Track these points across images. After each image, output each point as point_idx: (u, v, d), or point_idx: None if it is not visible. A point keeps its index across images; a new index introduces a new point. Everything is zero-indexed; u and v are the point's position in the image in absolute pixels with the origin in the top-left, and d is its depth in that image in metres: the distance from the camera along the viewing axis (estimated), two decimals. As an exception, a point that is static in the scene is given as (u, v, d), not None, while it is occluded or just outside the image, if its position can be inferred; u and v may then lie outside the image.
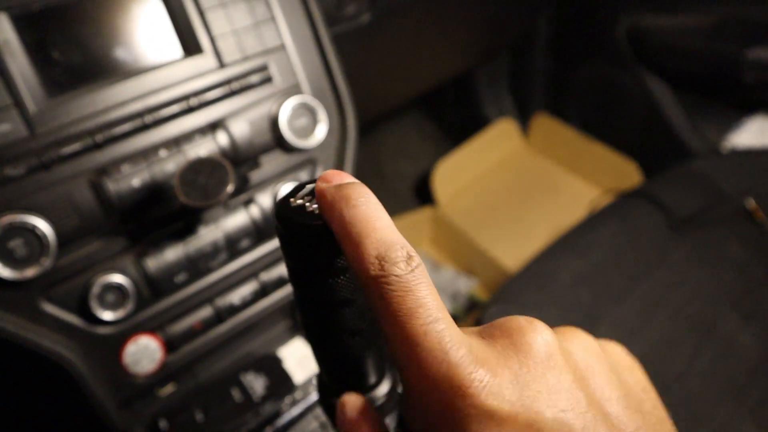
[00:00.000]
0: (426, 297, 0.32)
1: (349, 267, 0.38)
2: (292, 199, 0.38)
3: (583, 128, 1.96)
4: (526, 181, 2.03)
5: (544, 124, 2.05)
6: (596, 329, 1.06)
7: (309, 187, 0.39)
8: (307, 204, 0.38)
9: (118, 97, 0.69)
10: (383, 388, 0.50)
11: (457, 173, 1.99)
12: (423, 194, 2.07)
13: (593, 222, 1.27)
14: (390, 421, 0.49)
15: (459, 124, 2.20)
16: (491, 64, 2.05)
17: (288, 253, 0.39)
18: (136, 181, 0.69)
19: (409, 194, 2.11)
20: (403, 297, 0.32)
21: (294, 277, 0.40)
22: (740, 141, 1.71)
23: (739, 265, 1.20)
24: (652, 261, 1.17)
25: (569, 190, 1.97)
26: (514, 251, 1.76)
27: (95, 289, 0.68)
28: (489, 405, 0.30)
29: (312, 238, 0.36)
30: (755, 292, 1.16)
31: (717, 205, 1.29)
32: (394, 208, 2.00)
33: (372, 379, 0.49)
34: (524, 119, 2.14)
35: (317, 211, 0.37)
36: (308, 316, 0.43)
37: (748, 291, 1.16)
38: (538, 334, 0.33)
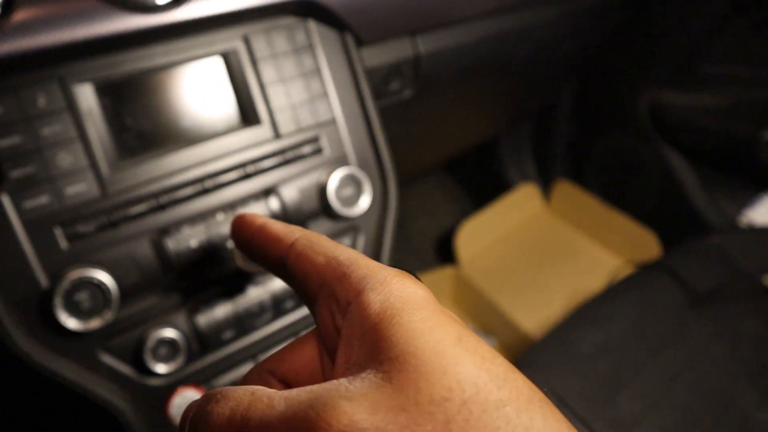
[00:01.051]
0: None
1: None
2: None
3: (603, 196, 2.01)
4: (546, 245, 2.07)
5: (565, 190, 2.10)
6: (617, 399, 1.08)
7: None
8: None
9: (182, 163, 0.75)
10: None
11: (480, 235, 2.03)
12: (444, 252, 2.11)
13: (613, 293, 1.31)
14: None
15: (482, 185, 2.25)
16: (515, 130, 2.12)
17: None
18: (193, 242, 0.73)
19: (431, 252, 2.15)
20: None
21: None
22: (757, 217, 1.75)
23: (757, 341, 1.22)
24: (670, 334, 1.20)
25: (588, 257, 2.01)
26: (532, 314, 1.79)
27: (150, 343, 0.72)
28: None
29: None
30: (772, 370, 1.18)
31: (735, 281, 1.32)
32: (416, 264, 2.04)
33: None
34: (546, 184, 2.19)
35: None
36: None
37: (766, 368, 1.18)
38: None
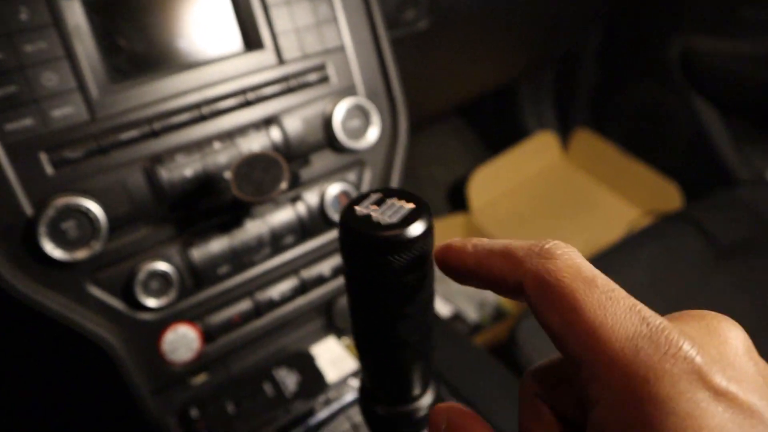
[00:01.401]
0: (596, 270, 0.29)
1: (409, 283, 0.37)
2: (357, 207, 0.37)
3: (625, 146, 1.94)
4: (562, 195, 2.01)
5: (585, 139, 2.03)
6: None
7: (374, 196, 0.39)
8: (373, 213, 0.37)
9: (178, 88, 0.70)
10: (427, 399, 0.50)
11: (493, 182, 1.98)
12: (456, 201, 2.06)
13: (632, 242, 1.25)
14: None
15: (498, 134, 2.18)
16: (535, 75, 2.03)
17: (349, 261, 0.38)
18: (188, 171, 0.69)
19: (442, 200, 2.10)
20: (577, 270, 0.29)
21: (352, 285, 0.40)
22: (787, 171, 1.68)
23: (782, 297, 1.17)
24: (692, 286, 1.15)
25: (606, 208, 1.95)
26: (546, 265, 1.74)
27: (141, 276, 0.68)
28: (713, 379, 0.26)
29: (376, 250, 0.36)
30: (796, 327, 1.14)
31: (762, 235, 1.26)
32: (427, 213, 1.99)
33: (417, 390, 0.49)
34: (565, 133, 2.12)
35: (384, 222, 0.36)
36: (360, 325, 0.42)
37: (790, 325, 1.13)
38: (734, 324, 0.30)
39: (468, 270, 0.37)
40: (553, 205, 1.99)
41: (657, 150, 1.86)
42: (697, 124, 1.68)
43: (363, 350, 0.45)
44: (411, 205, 0.37)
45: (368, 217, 0.37)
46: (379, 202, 0.38)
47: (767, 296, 1.18)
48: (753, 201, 1.35)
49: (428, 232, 0.36)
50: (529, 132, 2.10)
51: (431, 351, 0.46)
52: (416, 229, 0.36)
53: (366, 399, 0.50)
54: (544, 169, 2.09)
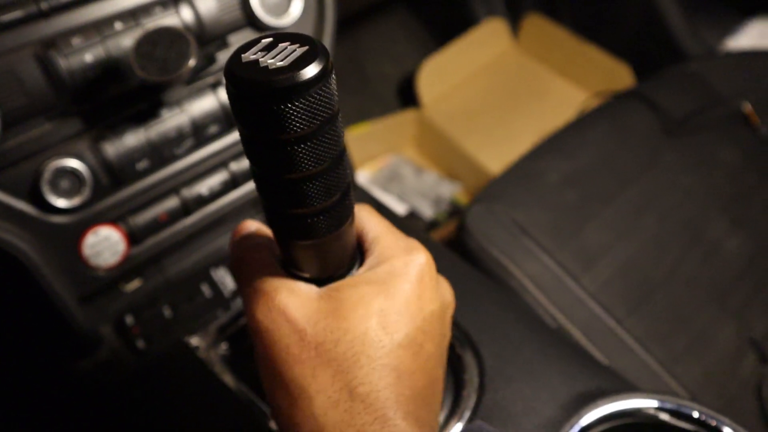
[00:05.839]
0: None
1: (312, 133, 0.33)
2: (244, 55, 0.33)
3: (577, 30, 1.88)
4: (514, 83, 1.96)
5: (536, 25, 1.96)
6: (584, 229, 1.03)
7: (265, 41, 0.34)
8: (261, 59, 0.32)
9: (65, -41, 0.61)
10: (356, 271, 0.46)
11: (443, 74, 1.91)
12: (407, 97, 1.99)
13: (583, 123, 1.22)
14: None
15: (446, 23, 2.09)
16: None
17: (241, 118, 0.34)
18: (88, 57, 0.62)
19: (393, 96, 2.03)
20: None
21: (249, 148, 0.35)
22: (739, 44, 1.64)
23: (732, 170, 1.16)
24: (643, 163, 1.13)
25: (559, 94, 1.91)
26: (499, 155, 1.71)
27: (47, 174, 0.62)
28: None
29: (268, 98, 0.31)
30: (746, 197, 1.13)
31: (712, 107, 1.24)
32: (376, 110, 1.92)
33: (340, 269, 0.45)
34: (515, 20, 2.04)
35: (272, 67, 0.31)
36: (267, 194, 0.38)
37: (739, 196, 1.13)
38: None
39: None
40: (504, 95, 1.94)
41: (608, 31, 1.81)
42: (647, 1, 1.62)
43: (274, 225, 0.40)
44: (305, 48, 0.32)
45: (255, 63, 0.32)
46: (269, 48, 0.33)
47: (716, 170, 1.17)
48: (704, 74, 1.32)
49: (323, 75, 0.32)
50: (478, 19, 2.01)
51: (351, 220, 0.41)
52: (309, 71, 0.31)
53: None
54: (494, 57, 2.02)
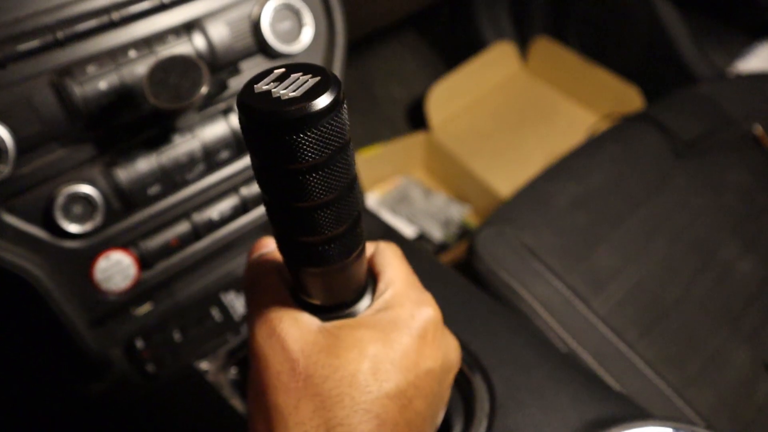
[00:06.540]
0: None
1: (323, 162, 0.33)
2: (256, 86, 0.33)
3: (585, 52, 1.88)
4: (523, 106, 1.97)
5: (544, 47, 1.97)
6: (594, 252, 1.02)
7: (277, 72, 0.34)
8: (274, 90, 0.33)
9: (80, -10, 0.62)
10: (365, 302, 0.46)
11: (452, 97, 1.92)
12: (416, 119, 2.00)
13: (592, 145, 1.22)
14: None
15: (455, 47, 2.10)
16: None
17: (253, 148, 0.34)
18: (103, 84, 0.63)
19: (402, 119, 2.04)
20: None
21: (260, 176, 0.35)
22: (748, 67, 1.64)
23: (743, 191, 1.16)
24: (653, 185, 1.12)
25: (568, 117, 1.91)
26: (508, 178, 1.71)
27: (60, 200, 0.63)
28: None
29: (280, 128, 0.31)
30: (758, 219, 1.13)
31: (722, 129, 1.23)
32: (386, 133, 1.94)
33: (349, 297, 0.45)
34: (523, 43, 2.05)
35: (285, 97, 0.32)
36: (277, 221, 0.38)
37: (751, 217, 1.12)
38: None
39: None
40: (513, 117, 1.94)
41: (617, 53, 1.81)
42: (655, 23, 1.63)
43: (286, 253, 0.41)
44: (317, 79, 0.33)
45: (268, 93, 0.32)
46: (281, 78, 0.33)
47: (727, 192, 1.16)
48: (714, 96, 1.32)
49: (335, 105, 0.32)
50: (486, 43, 2.02)
51: (362, 247, 0.42)
52: (321, 102, 0.31)
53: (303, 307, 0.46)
54: (503, 80, 2.03)
